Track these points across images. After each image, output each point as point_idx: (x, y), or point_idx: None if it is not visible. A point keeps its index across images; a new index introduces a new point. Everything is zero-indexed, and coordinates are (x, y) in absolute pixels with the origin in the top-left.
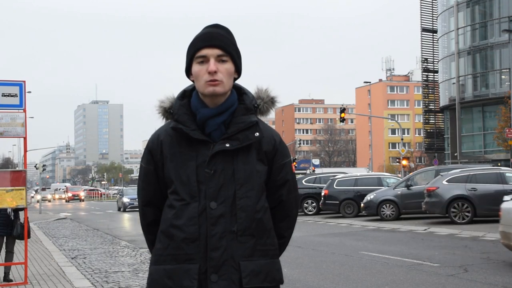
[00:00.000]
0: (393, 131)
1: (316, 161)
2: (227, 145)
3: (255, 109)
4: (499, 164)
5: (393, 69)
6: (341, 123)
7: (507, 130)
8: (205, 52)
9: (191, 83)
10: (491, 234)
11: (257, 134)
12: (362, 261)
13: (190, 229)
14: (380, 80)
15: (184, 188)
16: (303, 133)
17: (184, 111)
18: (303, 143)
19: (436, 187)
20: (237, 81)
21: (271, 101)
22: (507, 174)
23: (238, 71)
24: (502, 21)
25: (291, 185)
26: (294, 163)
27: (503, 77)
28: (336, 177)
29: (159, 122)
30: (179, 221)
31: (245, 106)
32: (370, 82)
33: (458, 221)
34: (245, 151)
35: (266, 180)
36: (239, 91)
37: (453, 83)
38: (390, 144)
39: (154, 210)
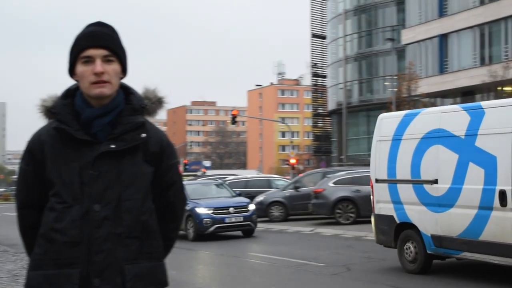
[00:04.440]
0: (283, 134)
1: (207, 163)
2: (113, 146)
3: (142, 110)
4: None
5: (284, 73)
6: (233, 125)
7: None
8: (90, 52)
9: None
10: (373, 234)
11: (143, 135)
12: (250, 262)
13: (72, 232)
14: (272, 83)
15: (67, 190)
16: (194, 135)
17: (67, 110)
18: (195, 145)
19: (322, 189)
20: (126, 81)
21: (159, 102)
22: None
23: (124, 70)
24: (386, 30)
25: (178, 187)
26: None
27: (386, 83)
28: (227, 179)
29: (44, 121)
30: (60, 224)
31: (132, 107)
32: (261, 85)
33: (343, 221)
34: (132, 152)
35: (153, 181)
36: (126, 91)
37: (341, 88)
38: (280, 147)
39: (33, 212)
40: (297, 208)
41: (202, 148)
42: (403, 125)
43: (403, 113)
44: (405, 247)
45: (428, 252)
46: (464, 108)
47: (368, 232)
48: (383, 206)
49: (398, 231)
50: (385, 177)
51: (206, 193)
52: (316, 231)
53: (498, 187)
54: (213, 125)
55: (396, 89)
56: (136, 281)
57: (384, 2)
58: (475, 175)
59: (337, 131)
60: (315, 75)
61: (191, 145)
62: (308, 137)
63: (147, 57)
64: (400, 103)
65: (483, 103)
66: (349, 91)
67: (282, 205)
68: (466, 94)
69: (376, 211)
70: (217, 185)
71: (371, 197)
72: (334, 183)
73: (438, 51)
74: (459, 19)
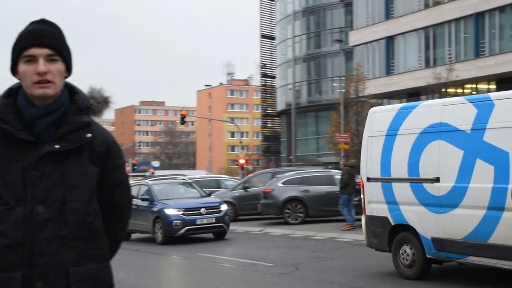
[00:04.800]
0: (233, 134)
1: (156, 163)
2: (57, 146)
3: (87, 110)
4: (329, 167)
5: (233, 73)
6: (182, 125)
7: (337, 135)
8: (33, 51)
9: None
10: (321, 234)
11: (89, 135)
12: (199, 263)
13: (14, 234)
14: (221, 83)
15: (8, 191)
16: (143, 135)
17: (9, 110)
18: (143, 145)
19: (271, 189)
20: (71, 80)
21: (105, 101)
22: (336, 177)
23: (69, 69)
24: (334, 32)
25: (125, 187)
26: (130, 164)
27: (334, 84)
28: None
29: None
30: (2, 227)
31: (77, 106)
32: (211, 86)
33: (292, 221)
34: (76, 153)
35: (99, 182)
36: (71, 90)
37: (290, 89)
38: (230, 147)
39: None
40: (246, 208)
41: (151, 148)
42: (399, 119)
43: (398, 106)
44: (400, 251)
45: (428, 256)
46: (469, 100)
47: (317, 231)
48: (375, 206)
49: (393, 234)
50: (378, 175)
51: (174, 193)
52: (265, 231)
53: (511, 186)
54: (162, 125)
55: (344, 90)
56: (81, 283)
57: (332, 4)
58: (483, 172)
59: (286, 132)
60: (264, 75)
61: (139, 145)
62: (257, 138)
63: (94, 56)
64: (348, 104)
65: (492, 95)
66: (298, 92)
67: (231, 205)
68: (411, 95)
69: (368, 212)
70: (186, 185)
71: (361, 197)
72: (283, 183)
73: (384, 53)
74: (405, 22)
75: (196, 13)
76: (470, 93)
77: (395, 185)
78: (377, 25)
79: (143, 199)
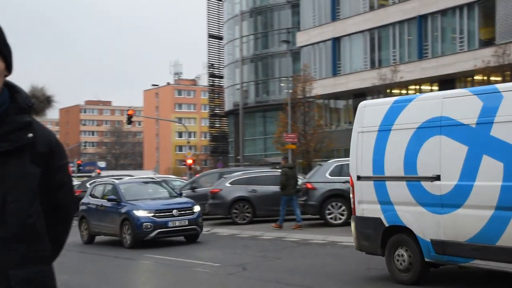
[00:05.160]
0: (180, 134)
1: (102, 164)
2: None
3: (29, 109)
4: (277, 167)
5: (181, 73)
6: (129, 125)
7: (284, 135)
8: None
9: None
10: (269, 233)
11: (30, 135)
12: (146, 264)
13: None
14: (168, 83)
15: None
16: (89, 135)
17: None
18: (89, 145)
19: (219, 189)
20: (12, 79)
21: (47, 101)
22: None
23: (9, 68)
24: (281, 32)
25: (68, 188)
26: (75, 165)
27: (282, 84)
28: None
29: None
30: None
31: (18, 105)
32: (158, 85)
33: (239, 221)
34: (17, 153)
35: (41, 183)
36: (11, 89)
37: (237, 89)
38: (177, 147)
39: None
40: None
41: (96, 148)
42: (393, 113)
43: (391, 99)
44: (395, 254)
45: (426, 259)
46: (474, 92)
47: (264, 231)
48: (367, 207)
49: (387, 236)
50: (370, 173)
51: (142, 193)
52: (213, 231)
53: None
54: (108, 125)
55: (291, 91)
56: (22, 286)
57: (279, 5)
58: (491, 169)
59: (234, 132)
60: (212, 75)
61: (85, 146)
62: (205, 138)
63: (37, 55)
64: (295, 104)
65: (500, 86)
66: (245, 92)
67: None
68: (357, 96)
69: (358, 213)
70: (155, 184)
71: (351, 196)
72: (230, 183)
73: (331, 54)
74: (351, 23)
75: (142, 11)
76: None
77: (389, 184)
78: (324, 26)
79: (109, 200)
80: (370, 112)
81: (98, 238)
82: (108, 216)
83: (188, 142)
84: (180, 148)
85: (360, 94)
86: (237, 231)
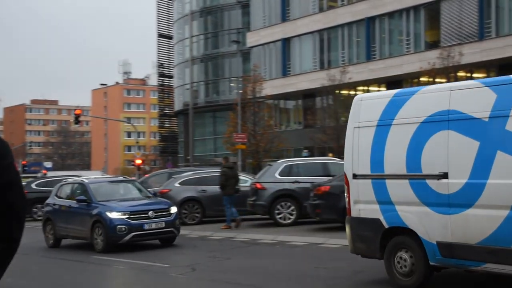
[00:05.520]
0: (129, 134)
1: (48, 164)
2: None
3: None
4: None
5: (130, 72)
6: (76, 125)
7: (234, 135)
8: None
9: None
10: (218, 234)
11: None
12: (94, 266)
13: None
14: (117, 83)
15: None
16: (34, 135)
17: None
18: (35, 145)
19: (168, 189)
20: None
21: None
22: None
23: None
24: (231, 32)
25: (17, 187)
26: (20, 165)
27: (232, 85)
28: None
29: None
30: None
31: None
32: (106, 85)
33: (189, 222)
34: None
35: None
36: None
37: (187, 89)
38: (126, 147)
39: None
40: None
41: (42, 148)
42: (394, 107)
43: (391, 92)
44: (396, 258)
45: (431, 263)
46: (486, 84)
47: (214, 232)
48: (364, 207)
49: (386, 238)
50: (367, 171)
51: (114, 194)
52: None
53: None
54: (55, 125)
55: (241, 91)
56: None
57: (229, 5)
58: (506, 166)
59: (184, 132)
60: (161, 75)
61: (30, 146)
62: (154, 138)
63: None
64: (246, 105)
65: None
66: (195, 92)
67: None
68: (307, 97)
69: (354, 213)
70: (127, 183)
71: (346, 195)
72: (180, 183)
73: (281, 54)
74: (300, 24)
75: (90, 9)
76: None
77: (389, 183)
78: (274, 27)
79: (78, 200)
80: (368, 106)
81: (65, 241)
82: (76, 218)
83: (137, 142)
84: (129, 148)
85: (310, 95)
86: (186, 231)
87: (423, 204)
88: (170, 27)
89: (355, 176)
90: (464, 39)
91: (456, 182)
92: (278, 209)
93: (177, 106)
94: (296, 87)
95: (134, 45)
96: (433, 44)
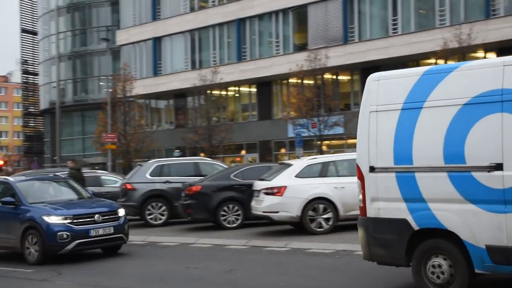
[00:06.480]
0: None
1: None
2: None
3: None
4: (96, 167)
5: None
6: None
7: (104, 135)
8: None
9: None
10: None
11: None
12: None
13: None
14: None
15: None
16: None
17: None
18: None
19: None
20: None
21: None
22: (102, 177)
23: None
24: (100, 30)
25: None
26: None
27: (101, 83)
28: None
29: None
30: None
31: None
32: None
33: None
34: None
35: None
36: None
37: (54, 87)
38: None
39: None
40: None
41: None
42: (425, 86)
43: (420, 69)
44: (429, 265)
45: (477, 271)
46: None
47: None
48: (385, 206)
49: (415, 242)
50: (390, 163)
51: (47, 195)
52: None
53: None
54: None
55: (111, 90)
56: None
57: (98, 2)
58: None
59: (50, 131)
60: (25, 72)
61: None
62: (18, 137)
63: None
64: (115, 104)
65: None
66: (62, 90)
67: None
68: (178, 97)
69: (371, 213)
70: (62, 182)
71: (360, 192)
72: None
73: (152, 53)
74: (171, 24)
75: None
76: (233, 96)
77: (420, 176)
78: (144, 26)
79: (4, 203)
80: (389, 86)
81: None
82: (2, 224)
83: (0, 143)
84: None
85: (181, 95)
86: None
87: (467, 201)
88: (35, 22)
89: (372, 169)
90: (330, 43)
91: None
92: (149, 210)
93: (43, 104)
94: (167, 86)
95: None
96: (301, 47)
